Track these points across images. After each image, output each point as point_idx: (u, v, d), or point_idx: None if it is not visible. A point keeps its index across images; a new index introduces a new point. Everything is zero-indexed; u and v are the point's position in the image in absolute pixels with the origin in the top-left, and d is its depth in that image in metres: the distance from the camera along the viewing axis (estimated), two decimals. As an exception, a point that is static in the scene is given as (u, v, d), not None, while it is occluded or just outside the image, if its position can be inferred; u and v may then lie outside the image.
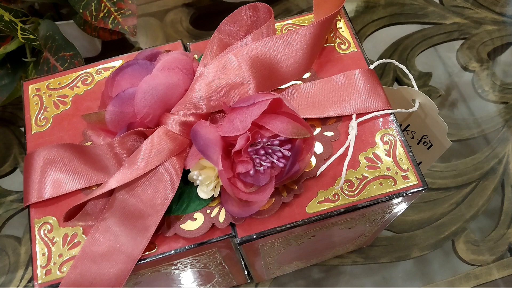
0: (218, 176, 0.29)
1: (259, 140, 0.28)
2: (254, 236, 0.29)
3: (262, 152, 0.28)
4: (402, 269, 0.49)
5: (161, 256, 0.29)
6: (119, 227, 0.28)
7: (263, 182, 0.28)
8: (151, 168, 0.28)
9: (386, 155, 0.31)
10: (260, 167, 0.28)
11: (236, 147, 0.27)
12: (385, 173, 0.30)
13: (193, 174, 0.29)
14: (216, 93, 0.29)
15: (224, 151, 0.28)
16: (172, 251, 0.29)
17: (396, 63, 0.35)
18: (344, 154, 0.31)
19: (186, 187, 0.30)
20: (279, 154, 0.28)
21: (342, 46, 0.35)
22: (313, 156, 0.31)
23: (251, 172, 0.28)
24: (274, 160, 0.28)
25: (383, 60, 0.35)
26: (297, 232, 0.31)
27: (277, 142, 0.28)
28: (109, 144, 0.28)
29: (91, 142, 0.31)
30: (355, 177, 0.30)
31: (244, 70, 0.30)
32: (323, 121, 0.32)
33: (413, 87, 0.35)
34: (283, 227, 0.29)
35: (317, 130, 0.32)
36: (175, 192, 0.28)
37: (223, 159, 0.27)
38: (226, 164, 0.28)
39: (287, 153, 0.27)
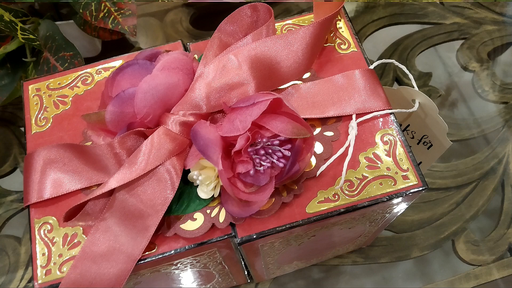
0: (218, 176, 0.29)
1: (259, 140, 0.28)
2: (254, 236, 0.29)
3: (262, 152, 0.28)
4: (402, 269, 0.49)
5: (161, 256, 0.29)
6: (119, 227, 0.28)
7: (263, 182, 0.28)
8: (151, 168, 0.28)
9: (386, 155, 0.31)
10: (260, 167, 0.28)
11: (236, 147, 0.27)
12: (385, 173, 0.30)
13: (193, 174, 0.29)
14: (216, 93, 0.29)
15: (224, 151, 0.28)
16: (172, 251, 0.29)
17: (396, 63, 0.35)
18: (344, 154, 0.31)
19: (186, 187, 0.30)
20: (279, 154, 0.28)
21: (342, 46, 0.35)
22: (313, 156, 0.31)
23: (251, 172, 0.28)
24: (274, 160, 0.28)
25: (383, 60, 0.35)
26: (297, 232, 0.31)
27: (277, 142, 0.28)
28: (109, 144, 0.28)
29: (91, 142, 0.31)
30: (355, 177, 0.30)
31: (244, 70, 0.29)
32: (323, 121, 0.32)
33: (413, 87, 0.35)
34: (283, 227, 0.29)
35: (317, 130, 0.32)
36: (175, 192, 0.28)
37: (223, 159, 0.27)
38: (226, 164, 0.28)
39: (287, 153, 0.27)
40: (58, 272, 0.28)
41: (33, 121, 0.33)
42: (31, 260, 0.36)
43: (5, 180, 0.56)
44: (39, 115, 0.34)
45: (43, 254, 0.29)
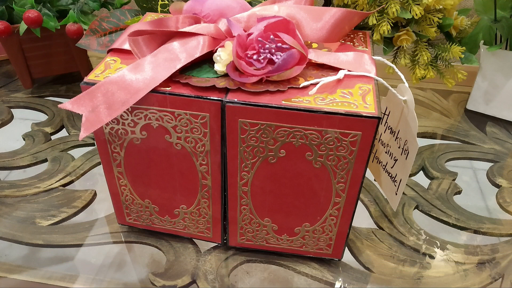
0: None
1: (268, 41, 0.39)
2: (236, 100, 0.38)
3: (267, 46, 0.39)
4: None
5: (170, 94, 0.39)
6: (151, 65, 0.40)
7: (259, 66, 0.39)
8: (197, 33, 0.41)
9: (359, 94, 0.39)
10: (261, 56, 0.39)
11: (251, 36, 0.39)
12: (351, 101, 0.38)
13: (217, 55, 0.41)
14: (254, 17, 0.43)
15: (244, 48, 0.40)
16: (180, 92, 0.39)
17: (396, 70, 0.45)
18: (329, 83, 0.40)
19: (208, 65, 0.42)
20: (278, 53, 0.39)
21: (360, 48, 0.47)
22: (304, 81, 0.41)
23: (254, 56, 0.39)
24: (274, 58, 0.39)
25: (385, 60, 0.46)
26: (270, 121, 0.39)
27: (279, 44, 0.39)
28: (177, 17, 0.43)
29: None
30: (328, 97, 0.39)
31: (280, 14, 0.43)
32: (321, 68, 0.43)
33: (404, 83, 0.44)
34: (260, 104, 0.38)
35: (316, 72, 0.42)
36: (200, 54, 0.40)
37: (241, 47, 0.39)
38: (242, 51, 0.40)
39: (286, 46, 0.39)
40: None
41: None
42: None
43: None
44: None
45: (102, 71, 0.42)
